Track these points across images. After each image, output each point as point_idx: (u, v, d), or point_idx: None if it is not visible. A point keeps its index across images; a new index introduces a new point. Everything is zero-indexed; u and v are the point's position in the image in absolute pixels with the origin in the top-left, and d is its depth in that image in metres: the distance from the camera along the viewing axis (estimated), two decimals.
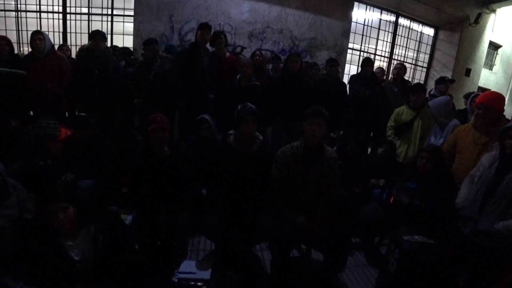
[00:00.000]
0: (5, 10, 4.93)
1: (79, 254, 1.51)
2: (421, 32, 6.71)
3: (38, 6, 4.94)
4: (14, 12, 4.94)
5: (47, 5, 4.96)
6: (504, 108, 2.15)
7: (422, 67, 6.88)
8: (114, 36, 5.14)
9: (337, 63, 3.81)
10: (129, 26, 5.02)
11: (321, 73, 5.05)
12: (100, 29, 3.61)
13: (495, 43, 7.31)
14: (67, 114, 3.36)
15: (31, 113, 3.21)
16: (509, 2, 6.17)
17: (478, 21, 6.22)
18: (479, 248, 1.72)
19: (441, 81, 3.67)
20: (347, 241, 1.95)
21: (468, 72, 6.58)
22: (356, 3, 5.76)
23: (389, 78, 5.23)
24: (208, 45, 3.45)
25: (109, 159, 2.52)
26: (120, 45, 4.72)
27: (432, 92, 3.80)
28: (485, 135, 2.13)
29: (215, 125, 2.75)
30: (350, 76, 4.11)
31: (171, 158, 2.05)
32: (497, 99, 2.12)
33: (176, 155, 2.08)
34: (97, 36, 3.08)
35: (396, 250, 1.78)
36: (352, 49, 6.07)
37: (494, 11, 6.49)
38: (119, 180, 2.40)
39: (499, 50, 7.69)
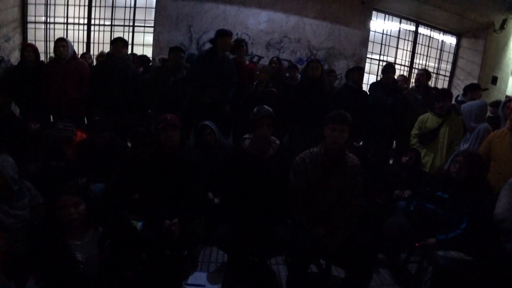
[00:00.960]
0: (35, 22, 5.22)
1: (85, 255, 1.44)
2: (442, 41, 6.51)
3: (65, 18, 5.22)
4: (43, 24, 5.22)
5: (74, 17, 5.23)
6: None
7: (445, 76, 6.63)
8: (134, 46, 5.30)
9: (363, 70, 3.71)
10: (150, 38, 5.16)
11: (339, 82, 4.99)
12: None
13: None
14: (85, 119, 3.41)
15: (51, 118, 3.29)
16: None
17: (504, 27, 5.96)
18: None
19: (474, 88, 3.47)
20: (371, 256, 1.78)
21: (494, 80, 6.26)
22: (374, 12, 5.68)
23: (411, 86, 5.05)
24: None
25: (121, 164, 2.48)
26: None
27: (459, 99, 3.60)
28: None
29: (218, 131, 2.68)
30: (370, 83, 3.98)
31: (182, 157, 1.99)
32: None
33: (188, 156, 2.01)
34: (119, 42, 3.15)
35: (429, 267, 1.59)
36: (371, 58, 5.95)
37: None
38: (132, 185, 2.35)
39: None
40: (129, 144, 2.94)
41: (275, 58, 3.72)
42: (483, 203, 1.82)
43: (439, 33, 6.44)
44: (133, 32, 5.32)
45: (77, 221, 1.40)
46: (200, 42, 4.97)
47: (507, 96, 6.32)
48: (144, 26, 5.30)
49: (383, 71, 3.63)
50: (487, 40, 6.03)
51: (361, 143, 3.64)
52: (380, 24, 5.93)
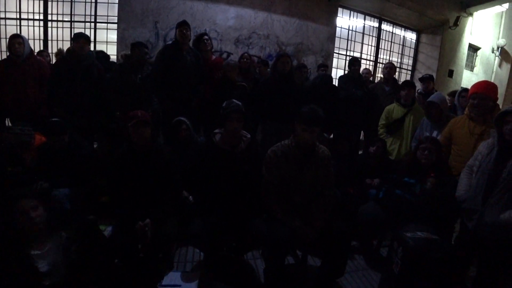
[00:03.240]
0: None
1: (48, 265, 1.34)
2: (403, 36, 6.88)
3: (18, 14, 4.80)
4: None
5: (28, 13, 4.81)
6: (498, 97, 2.13)
7: (407, 70, 7.02)
8: (97, 44, 5.02)
9: (327, 67, 3.80)
10: (113, 35, 4.92)
11: (310, 77, 5.08)
12: None
13: (474, 45, 7.56)
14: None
15: (7, 121, 3.03)
16: (484, 5, 6.42)
17: (457, 24, 6.43)
18: (486, 243, 1.64)
19: (425, 79, 3.77)
20: (346, 244, 1.83)
21: (451, 73, 6.76)
22: (340, 9, 5.85)
23: (377, 79, 5.27)
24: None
25: (89, 166, 2.35)
26: None
27: (419, 91, 3.84)
28: (481, 125, 2.10)
29: (192, 127, 2.64)
30: (339, 76, 4.10)
31: (154, 155, 1.92)
32: (491, 87, 2.12)
33: (159, 153, 1.94)
34: (81, 39, 2.94)
35: (399, 248, 1.66)
36: (338, 53, 6.13)
37: (471, 14, 6.74)
38: (100, 187, 2.23)
39: (478, 52, 7.96)
40: (95, 146, 2.80)
41: (246, 54, 3.68)
42: (446, 185, 1.94)
43: (401, 29, 6.79)
44: (95, 28, 5.03)
45: (39, 224, 1.35)
46: (167, 39, 4.80)
47: (462, 88, 6.85)
48: (107, 23, 5.03)
49: (349, 65, 3.76)
50: (443, 36, 6.48)
51: (331, 136, 3.73)
52: (346, 21, 6.13)
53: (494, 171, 1.63)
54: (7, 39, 2.93)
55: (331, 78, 3.64)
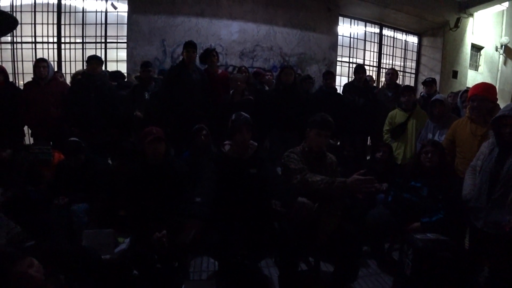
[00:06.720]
0: (1, 43, 5.02)
1: None
2: (405, 41, 6.94)
3: (33, 37, 5.06)
4: (10, 44, 5.04)
5: (42, 36, 5.08)
6: (497, 97, 2.18)
7: (411, 73, 7.05)
8: (108, 63, 5.24)
9: (333, 75, 3.89)
10: (123, 53, 5.14)
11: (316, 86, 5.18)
12: None
13: (477, 45, 7.56)
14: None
15: (29, 139, 3.21)
16: (484, 6, 6.46)
17: (458, 25, 6.48)
18: (496, 240, 1.66)
19: (427, 82, 3.85)
20: (357, 248, 1.86)
21: (455, 74, 6.76)
22: (341, 18, 5.97)
23: (380, 85, 5.32)
24: (199, 63, 3.50)
25: (105, 182, 2.46)
26: None
27: (422, 94, 3.89)
28: (482, 126, 2.14)
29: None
30: (343, 84, 4.18)
31: (167, 168, 2.01)
32: (490, 89, 2.17)
33: (172, 167, 2.04)
34: (93, 61, 3.15)
35: (410, 250, 1.70)
36: (341, 61, 6.21)
37: (471, 15, 6.78)
38: (117, 202, 2.32)
39: (482, 52, 7.93)
40: (110, 161, 2.92)
41: (243, 67, 3.85)
42: (454, 187, 1.97)
43: (402, 34, 6.87)
44: (105, 48, 5.26)
45: (41, 278, 1.19)
46: (174, 55, 5.00)
47: (466, 88, 6.84)
48: (117, 42, 5.27)
49: (354, 73, 3.83)
50: (444, 38, 6.53)
51: (338, 143, 3.78)
52: (347, 28, 6.24)
53: (495, 169, 1.70)
54: (23, 62, 3.12)
55: (335, 89, 3.73)
